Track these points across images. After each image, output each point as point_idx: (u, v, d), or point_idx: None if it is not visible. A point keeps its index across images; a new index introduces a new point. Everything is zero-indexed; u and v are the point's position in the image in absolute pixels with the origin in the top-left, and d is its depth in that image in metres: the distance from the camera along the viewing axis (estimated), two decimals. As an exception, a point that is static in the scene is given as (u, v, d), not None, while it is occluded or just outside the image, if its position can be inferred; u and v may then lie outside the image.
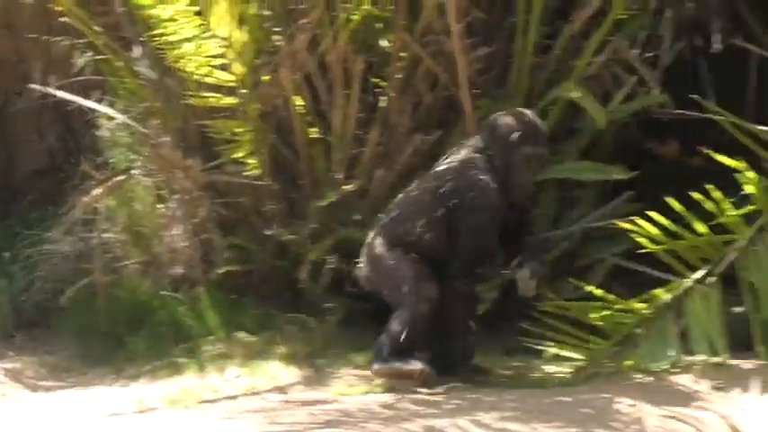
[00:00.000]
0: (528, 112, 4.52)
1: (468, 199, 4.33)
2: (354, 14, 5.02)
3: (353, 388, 4.47)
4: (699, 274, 4.46)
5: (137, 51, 5.41)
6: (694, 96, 4.66)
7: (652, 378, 4.26)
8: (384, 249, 4.47)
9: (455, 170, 4.40)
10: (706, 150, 4.42)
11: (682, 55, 5.41)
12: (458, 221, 4.36)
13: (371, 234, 4.56)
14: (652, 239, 4.48)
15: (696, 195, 4.36)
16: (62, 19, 5.42)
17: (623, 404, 3.99)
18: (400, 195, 4.61)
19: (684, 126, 5.06)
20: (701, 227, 4.45)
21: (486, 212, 4.30)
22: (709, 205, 4.41)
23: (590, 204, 5.20)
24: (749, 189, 4.42)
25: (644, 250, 4.51)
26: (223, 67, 5.01)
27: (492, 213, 4.32)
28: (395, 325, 4.38)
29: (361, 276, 4.58)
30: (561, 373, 4.48)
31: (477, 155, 4.40)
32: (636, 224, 4.48)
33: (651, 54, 5.31)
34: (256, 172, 5.11)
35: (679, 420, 3.86)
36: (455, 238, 4.37)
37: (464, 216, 4.34)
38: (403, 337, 4.33)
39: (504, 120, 4.44)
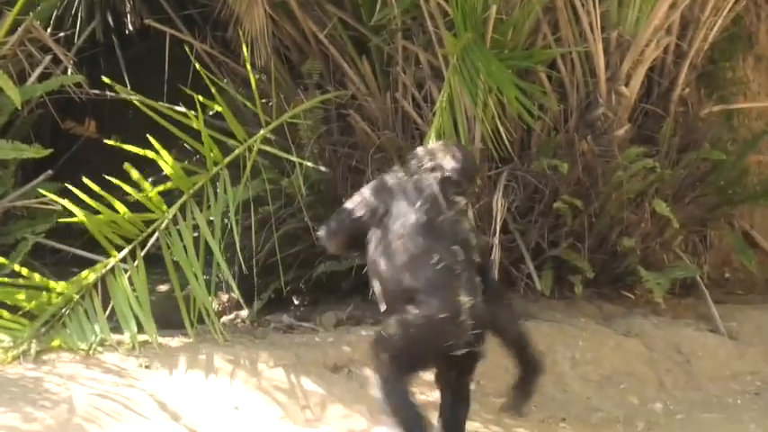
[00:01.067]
0: None
1: None
2: None
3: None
4: (123, 254, 4.59)
5: None
6: (105, 77, 4.78)
7: (81, 357, 4.32)
8: None
9: None
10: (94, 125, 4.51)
11: (97, 35, 5.51)
12: None
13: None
14: (74, 217, 4.52)
15: (112, 176, 4.46)
16: None
17: (52, 383, 4.05)
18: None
19: (102, 105, 5.18)
20: (120, 205, 4.56)
21: None
22: (127, 185, 4.53)
23: (9, 184, 5.18)
24: (166, 169, 4.63)
25: (68, 225, 4.55)
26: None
27: None
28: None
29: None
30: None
31: None
32: (57, 203, 4.53)
33: (66, 33, 5.36)
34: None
35: (108, 398, 3.99)
36: None
37: None
38: None
39: None
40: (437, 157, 4.03)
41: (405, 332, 3.88)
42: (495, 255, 4.63)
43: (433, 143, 4.27)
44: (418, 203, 3.91)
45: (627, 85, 5.22)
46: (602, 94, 5.16)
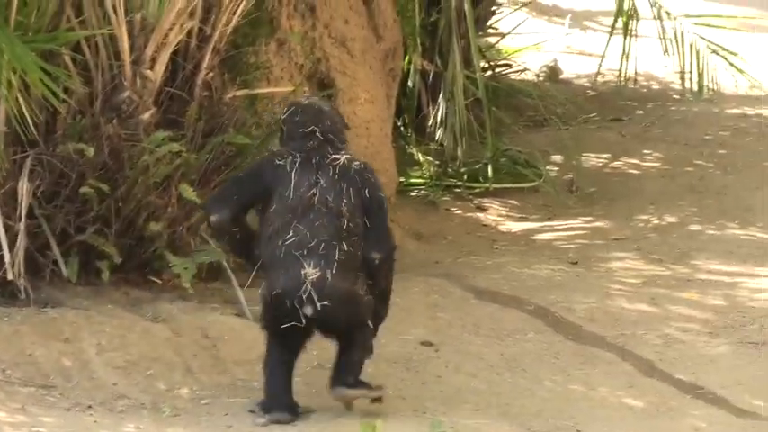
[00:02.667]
0: None
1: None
2: None
3: None
4: None
5: None
6: None
7: None
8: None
9: None
10: None
11: None
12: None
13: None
14: None
15: None
16: None
17: None
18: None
19: None
20: None
21: None
22: None
23: None
24: None
25: None
26: None
27: None
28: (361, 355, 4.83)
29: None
30: None
31: None
32: None
33: None
34: None
35: None
36: None
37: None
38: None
39: None
40: (311, 116, 4.84)
41: (262, 306, 4.84)
42: (21, 242, 5.06)
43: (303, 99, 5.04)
44: (294, 176, 4.71)
45: (152, 68, 5.73)
46: (128, 78, 5.67)
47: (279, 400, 4.90)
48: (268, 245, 4.82)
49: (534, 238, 7.87)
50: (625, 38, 8.94)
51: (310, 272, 4.71)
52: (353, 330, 4.89)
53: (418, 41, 8.62)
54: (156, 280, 5.98)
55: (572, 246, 7.63)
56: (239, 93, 6.38)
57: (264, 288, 4.88)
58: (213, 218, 4.92)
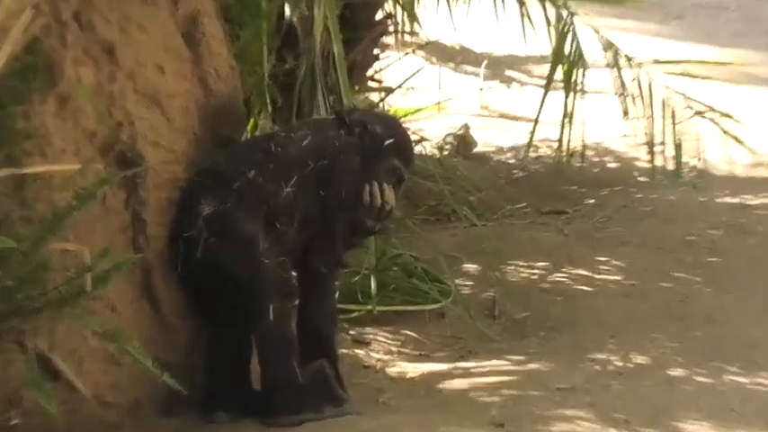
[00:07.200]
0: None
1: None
2: None
3: None
4: None
5: None
6: None
7: None
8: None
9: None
10: None
11: None
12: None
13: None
14: None
15: None
16: None
17: None
18: None
19: None
20: None
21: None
22: None
23: None
24: None
25: None
26: None
27: None
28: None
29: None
30: None
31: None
32: None
33: None
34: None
35: None
36: None
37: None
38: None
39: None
40: None
41: None
42: None
43: None
44: None
45: None
46: None
47: None
48: None
49: (440, 386, 7.87)
50: (567, 94, 9.16)
51: None
52: None
53: (267, 98, 8.71)
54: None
55: (495, 399, 7.61)
56: (2, 172, 6.38)
57: None
58: None
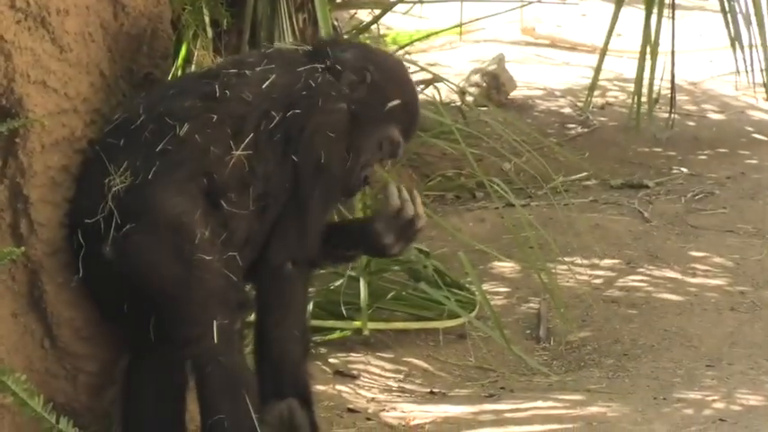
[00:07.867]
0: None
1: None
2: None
3: None
4: None
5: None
6: None
7: None
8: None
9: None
10: None
11: None
12: None
13: None
14: None
15: None
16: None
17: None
18: None
19: None
20: None
21: None
22: None
23: None
24: None
25: None
26: None
27: None
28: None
29: None
30: None
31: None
32: None
33: None
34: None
35: None
36: None
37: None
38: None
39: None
40: None
41: None
42: None
43: None
44: None
45: None
46: None
47: None
48: None
49: (462, 439, 7.98)
50: (650, 11, 9.29)
51: None
52: None
53: (207, 20, 8.85)
54: None
55: (540, 459, 7.79)
56: None
57: None
58: None
